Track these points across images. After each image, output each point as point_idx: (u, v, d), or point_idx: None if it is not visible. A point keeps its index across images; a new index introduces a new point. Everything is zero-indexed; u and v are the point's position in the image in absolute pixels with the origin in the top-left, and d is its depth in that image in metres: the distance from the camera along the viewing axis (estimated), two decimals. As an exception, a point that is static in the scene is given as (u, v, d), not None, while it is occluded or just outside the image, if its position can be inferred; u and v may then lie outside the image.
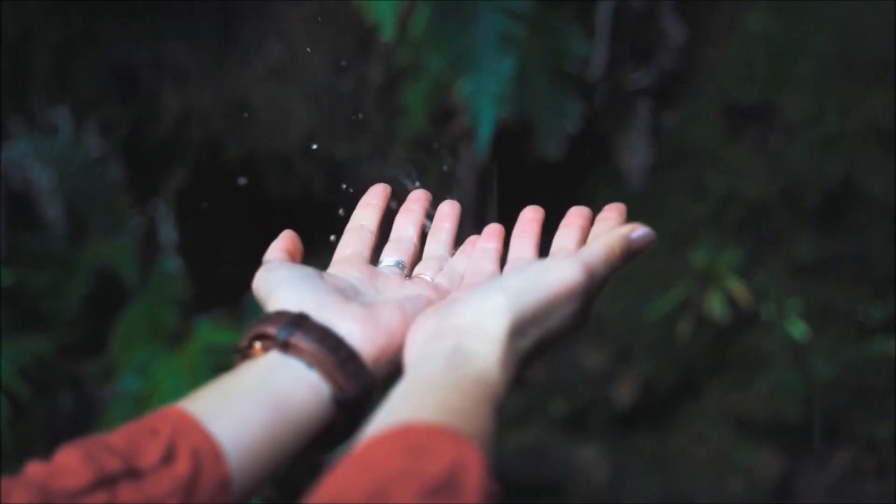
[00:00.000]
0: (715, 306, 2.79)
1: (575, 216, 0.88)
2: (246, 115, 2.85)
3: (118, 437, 0.67)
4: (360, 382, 0.75)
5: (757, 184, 2.84)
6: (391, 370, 0.77)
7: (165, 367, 2.45)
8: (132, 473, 0.65)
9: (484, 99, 2.47)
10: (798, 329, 2.78)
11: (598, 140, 2.99)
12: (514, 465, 2.82)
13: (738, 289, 2.78)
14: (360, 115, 2.75)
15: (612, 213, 0.87)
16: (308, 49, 2.87)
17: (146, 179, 2.83)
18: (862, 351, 2.78)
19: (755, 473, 2.82)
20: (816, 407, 2.79)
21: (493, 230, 0.92)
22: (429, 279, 0.89)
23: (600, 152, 3.01)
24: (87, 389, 2.59)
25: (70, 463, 0.63)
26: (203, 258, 2.76)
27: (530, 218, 0.90)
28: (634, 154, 2.99)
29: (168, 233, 2.82)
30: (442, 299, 0.84)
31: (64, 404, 2.56)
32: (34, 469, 0.63)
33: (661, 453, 2.89)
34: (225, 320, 2.50)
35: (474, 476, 0.58)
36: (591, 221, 0.88)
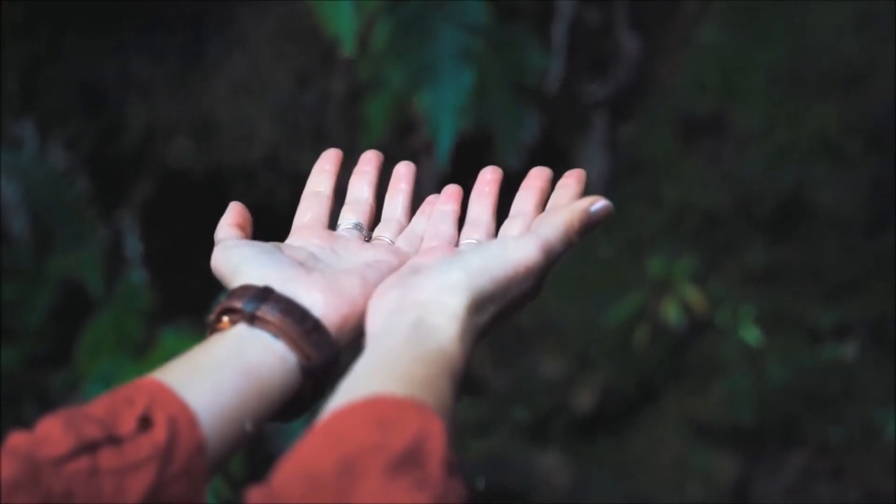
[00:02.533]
0: (671, 313, 2.81)
1: (535, 178, 0.88)
2: (210, 128, 2.86)
3: (97, 407, 0.69)
4: (326, 350, 0.77)
5: (711, 194, 2.87)
6: (355, 337, 0.80)
7: (131, 378, 2.44)
8: (112, 440, 0.67)
9: (444, 112, 2.50)
10: (752, 335, 2.80)
11: (556, 151, 3.02)
12: (476, 473, 2.82)
13: (694, 296, 2.81)
14: (323, 128, 2.77)
15: (571, 179, 0.87)
16: (272, 64, 2.88)
17: (112, 192, 2.83)
18: (814, 356, 2.81)
19: (713, 477, 2.84)
20: (771, 411, 2.82)
21: (452, 192, 0.92)
22: (388, 240, 0.90)
23: (558, 163, 3.03)
24: (54, 400, 2.58)
25: (52, 431, 0.65)
26: (168, 269, 2.76)
27: (489, 179, 0.91)
28: (592, 165, 3.01)
29: (133, 244, 2.81)
30: (402, 263, 0.85)
31: (31, 415, 2.56)
32: (17, 439, 0.65)
33: (621, 459, 2.91)
34: (190, 331, 2.50)
35: (438, 448, 0.60)
36: (552, 183, 0.88)
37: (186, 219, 2.89)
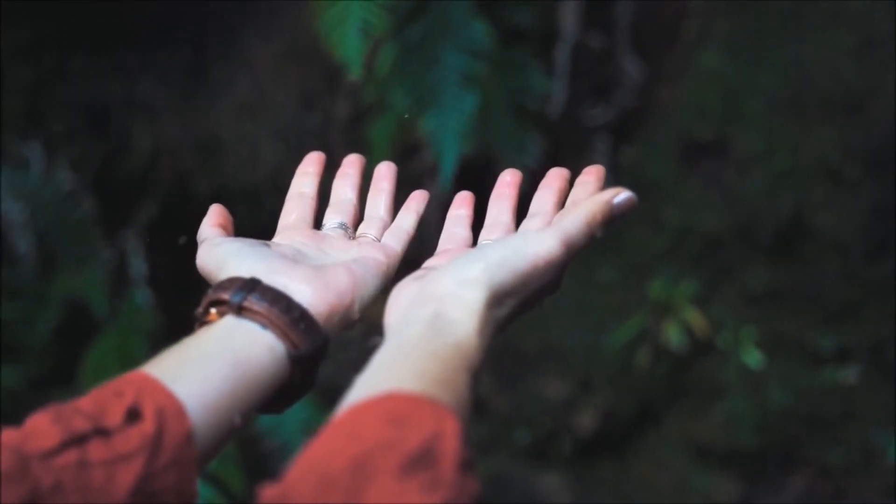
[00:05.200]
0: (673, 336, 2.82)
1: (553, 178, 0.88)
2: (215, 150, 2.87)
3: (86, 401, 0.70)
4: (313, 339, 0.78)
5: (711, 217, 2.88)
6: (343, 327, 0.81)
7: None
8: (101, 432, 0.67)
9: (447, 135, 2.51)
10: (753, 358, 2.81)
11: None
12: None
13: (695, 319, 2.81)
14: (327, 151, 2.78)
15: (590, 176, 0.86)
16: (276, 86, 2.90)
17: (117, 213, 2.84)
18: (815, 379, 2.82)
19: (713, 499, 2.84)
20: (771, 434, 2.82)
21: (464, 197, 0.93)
22: (372, 237, 0.91)
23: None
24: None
25: (41, 425, 0.67)
26: (172, 290, 2.77)
27: (508, 181, 0.91)
28: (594, 188, 3.00)
29: (138, 265, 2.82)
30: (389, 258, 0.87)
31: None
32: (8, 435, 0.66)
33: (622, 480, 2.90)
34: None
35: (451, 447, 0.59)
36: (570, 183, 0.87)
37: (191, 239, 2.89)
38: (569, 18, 2.94)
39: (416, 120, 2.58)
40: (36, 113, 2.81)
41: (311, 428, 2.29)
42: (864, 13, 2.84)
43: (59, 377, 2.65)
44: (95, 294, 2.68)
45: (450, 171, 2.50)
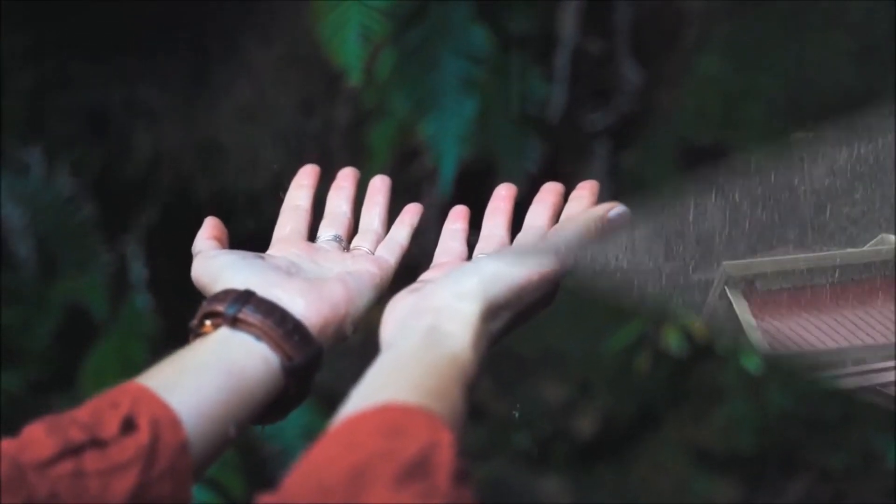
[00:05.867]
0: (672, 340, 2.82)
1: (548, 192, 0.89)
2: (215, 154, 2.87)
3: (83, 412, 0.71)
4: (307, 351, 0.79)
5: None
6: (337, 339, 0.82)
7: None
8: (96, 443, 0.69)
9: (447, 140, 2.52)
10: (753, 362, 2.81)
11: (558, 179, 3.03)
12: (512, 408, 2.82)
13: (695, 323, 2.82)
14: (327, 156, 2.78)
15: (585, 191, 0.88)
16: (276, 90, 2.90)
17: (117, 217, 2.84)
18: (815, 383, 2.82)
19: (713, 502, 2.84)
20: (772, 438, 2.82)
21: (459, 211, 0.93)
22: (366, 250, 0.92)
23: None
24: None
25: (37, 435, 0.68)
26: (173, 294, 2.77)
27: (504, 195, 0.91)
28: (593, 193, 3.01)
29: (138, 269, 2.82)
30: (383, 271, 0.88)
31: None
32: (5, 445, 0.67)
33: (622, 485, 2.91)
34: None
35: (446, 458, 0.60)
36: (565, 198, 0.88)
37: (191, 244, 2.89)
38: (568, 23, 2.94)
39: (416, 124, 2.59)
40: (36, 117, 2.82)
41: (310, 433, 2.30)
42: (864, 15, 2.84)
43: (60, 381, 2.65)
44: (96, 298, 2.68)
45: (449, 176, 2.51)
